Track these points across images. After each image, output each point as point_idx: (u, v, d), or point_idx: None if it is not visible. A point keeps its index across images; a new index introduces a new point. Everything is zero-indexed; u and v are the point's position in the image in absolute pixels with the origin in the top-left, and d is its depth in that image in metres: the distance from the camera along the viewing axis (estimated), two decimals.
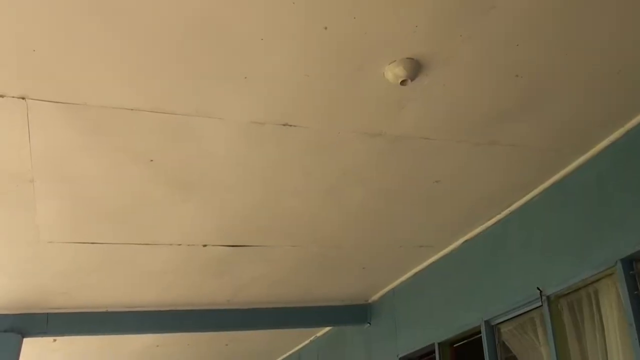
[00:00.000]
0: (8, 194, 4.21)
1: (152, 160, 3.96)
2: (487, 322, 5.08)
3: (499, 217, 5.06)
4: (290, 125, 3.65)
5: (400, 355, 6.35)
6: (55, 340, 7.48)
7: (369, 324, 7.20)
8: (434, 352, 5.80)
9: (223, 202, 4.59)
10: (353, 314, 7.29)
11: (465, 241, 5.48)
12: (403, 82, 3.18)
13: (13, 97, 3.24)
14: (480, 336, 5.14)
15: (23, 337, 6.27)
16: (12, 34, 2.81)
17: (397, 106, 3.53)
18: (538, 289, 4.49)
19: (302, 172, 4.24)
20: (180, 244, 5.27)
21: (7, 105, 3.30)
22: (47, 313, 6.47)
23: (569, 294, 4.35)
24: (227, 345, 9.17)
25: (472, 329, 5.30)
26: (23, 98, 3.26)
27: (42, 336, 6.58)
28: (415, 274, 6.26)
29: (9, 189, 4.15)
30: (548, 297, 4.43)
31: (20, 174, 3.95)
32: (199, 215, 4.78)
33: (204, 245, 5.32)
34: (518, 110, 3.66)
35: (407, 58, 3.09)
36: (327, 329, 8.41)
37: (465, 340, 5.58)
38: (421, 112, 3.61)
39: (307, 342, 9.12)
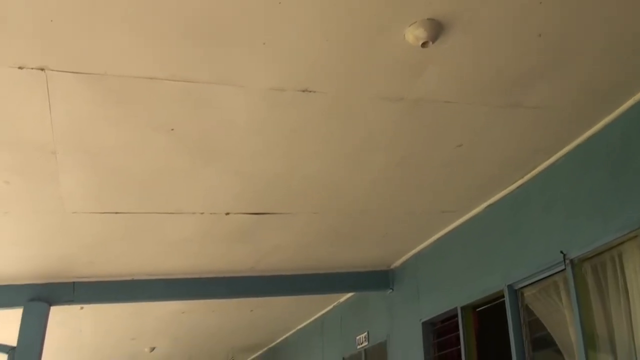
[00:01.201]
0: (31, 166, 4.26)
1: (173, 130, 3.96)
2: (510, 286, 5.07)
3: (521, 181, 5.01)
4: (310, 91, 3.62)
5: (423, 320, 6.38)
6: (82, 308, 7.63)
7: (391, 290, 7.23)
8: (456, 316, 5.81)
9: (244, 169, 4.60)
10: (375, 280, 7.32)
11: (488, 206, 5.45)
12: (424, 44, 3.13)
13: (32, 68, 3.25)
14: (503, 300, 5.13)
15: (50, 305, 6.40)
16: (29, 5, 2.80)
17: (418, 69, 3.48)
18: (561, 252, 4.46)
19: (323, 139, 4.22)
20: (203, 213, 5.30)
21: (26, 77, 3.31)
22: (74, 282, 6.58)
23: (592, 257, 4.32)
24: (251, 311, 9.29)
25: (495, 293, 5.30)
26: (42, 69, 3.27)
27: (68, 304, 6.71)
28: (438, 239, 6.25)
29: (32, 161, 4.19)
30: (572, 261, 4.40)
31: (43, 145, 3.99)
32: (221, 183, 4.80)
33: (227, 214, 5.35)
34: (541, 71, 3.59)
35: (428, 19, 3.04)
36: (350, 295, 8.47)
37: (488, 305, 5.57)
38: (442, 75, 3.56)
39: (330, 307, 9.20)
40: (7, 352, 6.43)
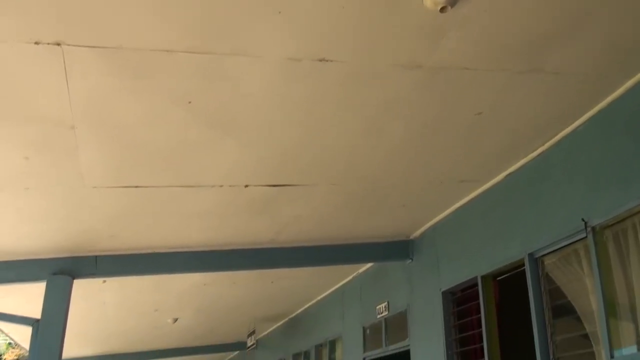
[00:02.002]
0: (51, 141, 4.28)
1: (190, 102, 3.96)
2: (530, 255, 5.04)
3: (542, 148, 4.95)
4: (327, 60, 3.59)
5: (442, 289, 6.39)
6: (104, 281, 7.73)
7: (410, 260, 7.23)
8: (476, 285, 5.81)
9: (262, 141, 4.59)
10: (395, 250, 7.33)
11: (508, 174, 5.40)
12: (443, 9, 3.08)
13: (48, 43, 3.25)
14: (524, 269, 5.11)
15: (73, 278, 6.50)
16: None
17: (437, 35, 3.43)
18: (583, 220, 4.43)
19: (341, 108, 4.19)
20: (222, 185, 5.32)
21: (42, 52, 3.31)
22: (96, 256, 6.67)
23: (614, 224, 4.27)
24: (272, 282, 9.36)
25: (516, 262, 5.28)
26: (58, 44, 3.26)
27: (91, 277, 6.80)
28: (457, 209, 6.22)
29: (51, 137, 4.22)
30: (593, 228, 4.36)
31: (61, 120, 4.00)
32: (240, 155, 4.80)
33: (246, 186, 5.36)
34: (562, 34, 3.51)
35: None
36: (370, 265, 8.50)
37: (508, 274, 5.56)
38: (461, 41, 3.50)
39: (349, 278, 9.25)
40: (31, 325, 6.54)
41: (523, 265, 5.14)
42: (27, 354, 9.11)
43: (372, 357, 8.28)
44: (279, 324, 13.23)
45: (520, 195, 5.26)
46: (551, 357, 4.74)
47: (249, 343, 12.95)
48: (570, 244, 4.67)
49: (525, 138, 4.86)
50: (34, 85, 3.66)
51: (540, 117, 4.53)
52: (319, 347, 10.68)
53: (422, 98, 4.12)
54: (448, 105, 4.25)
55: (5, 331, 12.10)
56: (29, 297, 7.13)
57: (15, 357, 25.16)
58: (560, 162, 4.78)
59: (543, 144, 4.93)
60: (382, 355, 7.98)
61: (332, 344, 10.08)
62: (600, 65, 3.90)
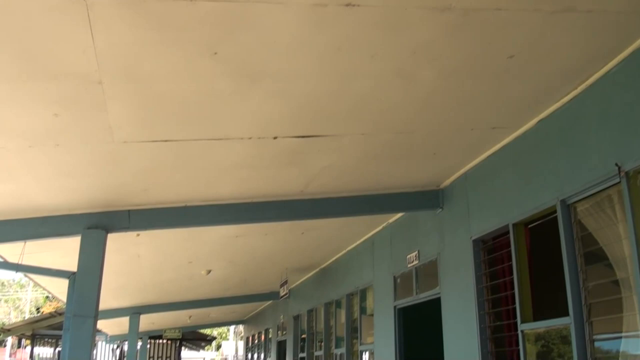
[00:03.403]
0: (78, 96, 4.30)
1: (216, 53, 3.92)
2: (562, 201, 4.98)
3: (575, 92, 4.83)
4: (354, 5, 3.50)
5: (473, 238, 6.37)
6: (138, 235, 7.87)
7: (441, 209, 7.21)
8: (507, 233, 5.77)
9: (290, 91, 4.55)
10: (425, 199, 7.30)
11: (540, 120, 5.30)
12: None
13: None
14: (556, 215, 5.06)
15: (107, 232, 6.62)
16: None
17: None
18: (616, 165, 4.34)
19: (369, 54, 4.10)
20: (250, 138, 5.31)
21: (67, 6, 3.29)
22: (129, 210, 6.77)
23: None
24: (302, 233, 9.44)
25: (548, 209, 5.22)
26: None
27: (125, 231, 6.92)
28: (488, 156, 6.14)
29: (79, 92, 4.23)
30: (627, 173, 4.27)
31: (88, 75, 4.00)
32: (267, 106, 4.77)
33: (275, 138, 5.34)
34: None
35: None
36: (399, 215, 8.50)
37: (540, 221, 5.51)
38: None
39: (379, 228, 9.28)
40: (68, 277, 6.72)
41: (555, 212, 5.08)
42: (64, 306, 9.38)
43: (403, 305, 8.36)
44: (310, 274, 13.40)
45: (552, 141, 5.17)
46: (583, 303, 4.73)
47: (282, 293, 13.17)
48: (603, 189, 4.59)
49: (558, 82, 4.74)
50: (60, 41, 3.65)
51: (573, 59, 4.40)
52: (350, 296, 10.82)
53: (452, 42, 4.01)
54: (479, 49, 4.14)
55: (43, 285, 12.48)
56: (64, 252, 7.30)
57: (53, 309, 25.99)
58: (594, 105, 4.66)
59: (576, 88, 4.80)
60: (413, 303, 8.05)
61: (363, 293, 10.20)
62: (634, 1, 3.75)
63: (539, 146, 5.35)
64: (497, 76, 4.54)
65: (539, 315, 5.44)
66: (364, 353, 9.97)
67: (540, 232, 5.61)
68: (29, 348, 22.93)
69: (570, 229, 4.93)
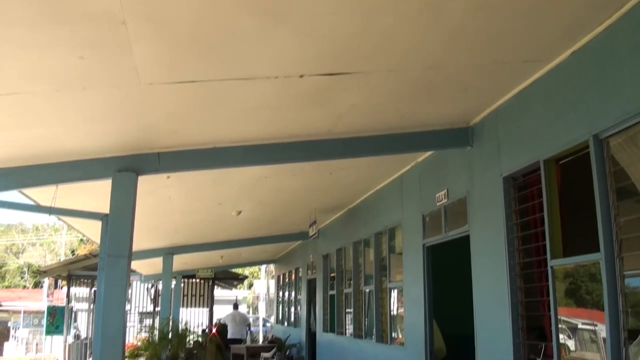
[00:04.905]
0: (103, 38, 4.27)
1: None
2: (595, 136, 4.87)
3: (609, 21, 4.65)
4: None
5: (503, 175, 6.30)
6: (168, 177, 7.96)
7: (470, 147, 7.12)
8: (538, 169, 5.70)
9: (315, 27, 4.46)
10: (454, 137, 7.21)
11: (573, 52, 5.14)
12: None
13: None
14: (588, 151, 4.97)
15: (138, 175, 6.72)
16: None
17: None
18: None
19: None
20: (277, 77, 5.26)
21: None
22: (158, 152, 6.83)
23: None
24: (330, 174, 9.45)
25: (580, 144, 5.12)
26: None
27: (155, 173, 7.01)
28: (519, 92, 6.01)
29: (103, 33, 4.20)
30: None
31: (111, 15, 3.96)
32: (293, 44, 4.70)
33: (301, 76, 5.28)
34: None
35: None
36: (428, 154, 8.43)
37: (572, 156, 5.42)
38: None
39: (408, 167, 9.23)
40: (101, 219, 6.86)
41: (587, 147, 4.98)
42: (98, 248, 9.62)
43: (432, 243, 8.39)
44: (338, 214, 13.48)
45: (585, 74, 5.02)
46: (614, 239, 4.68)
47: (311, 233, 13.30)
48: (637, 123, 4.48)
49: (591, 10, 4.56)
50: None
51: None
52: (378, 235, 10.88)
53: None
54: None
55: (76, 227, 12.77)
56: (96, 195, 7.42)
57: (88, 252, 26.71)
58: (628, 35, 4.49)
59: (610, 16, 4.61)
60: (442, 241, 8.07)
61: (392, 232, 10.24)
62: None
63: (571, 80, 5.21)
64: (528, 7, 4.39)
65: (568, 252, 5.41)
66: (392, 290, 10.09)
67: (572, 168, 5.53)
68: (65, 288, 23.66)
69: (603, 164, 4.85)
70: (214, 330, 20.52)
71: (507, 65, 5.46)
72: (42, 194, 7.82)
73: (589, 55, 4.97)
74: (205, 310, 26.95)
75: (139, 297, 27.28)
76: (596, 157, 4.86)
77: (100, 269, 6.73)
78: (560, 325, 5.33)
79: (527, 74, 5.69)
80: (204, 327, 26.39)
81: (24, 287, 56.07)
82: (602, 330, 4.88)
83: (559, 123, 5.39)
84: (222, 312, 28.64)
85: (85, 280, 25.43)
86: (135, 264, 17.68)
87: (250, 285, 50.25)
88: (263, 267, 31.66)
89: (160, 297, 19.01)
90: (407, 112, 6.59)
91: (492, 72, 5.62)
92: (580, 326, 5.44)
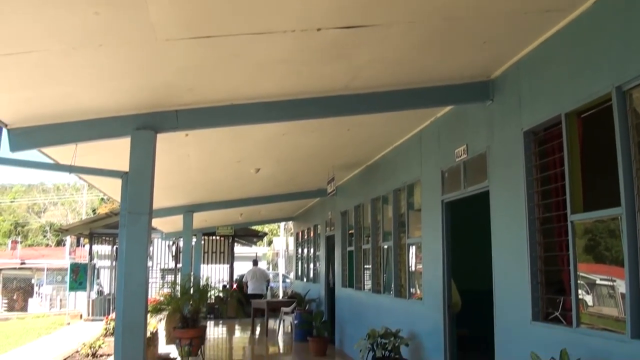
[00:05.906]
0: None
1: None
2: (618, 88, 4.78)
3: None
4: None
5: (524, 129, 6.22)
6: (187, 135, 7.97)
7: (491, 101, 7.03)
8: (560, 123, 5.61)
9: None
10: (474, 91, 7.11)
11: (595, 1, 5.00)
12: None
13: None
14: (610, 104, 4.87)
15: (156, 132, 6.72)
16: None
17: None
18: None
19: None
20: (294, 30, 5.18)
21: None
22: (176, 110, 6.82)
23: None
24: (348, 130, 9.39)
25: (602, 97, 5.03)
26: None
27: (173, 131, 7.02)
28: (541, 43, 5.88)
29: None
30: None
31: None
32: None
33: (318, 29, 5.20)
34: None
35: None
36: (447, 109, 8.34)
37: (594, 110, 5.33)
38: None
39: (427, 123, 9.15)
40: (120, 177, 6.90)
41: (609, 100, 4.89)
42: (119, 207, 9.72)
43: (451, 199, 8.36)
44: (356, 171, 13.46)
45: (608, 25, 4.90)
46: (635, 193, 4.63)
47: (329, 190, 13.32)
48: None
49: None
50: None
51: None
52: (397, 192, 10.86)
53: None
54: None
55: (97, 186, 12.90)
56: (115, 154, 7.44)
57: (109, 210, 27.03)
58: None
59: None
60: (461, 196, 8.04)
61: (410, 188, 10.22)
62: None
63: (594, 30, 5.09)
64: None
65: (589, 206, 5.37)
66: (411, 246, 10.12)
67: (593, 122, 5.44)
68: (87, 246, 24.07)
69: (625, 117, 4.76)
70: (234, 287, 20.82)
71: (528, 15, 5.33)
72: (62, 153, 7.87)
73: (612, 5, 4.84)
74: (225, 267, 27.34)
75: (161, 254, 27.71)
76: (619, 109, 4.77)
77: (121, 226, 6.79)
78: (578, 281, 5.32)
79: (549, 24, 5.56)
80: (225, 283, 26.77)
81: (47, 245, 57.15)
82: (621, 286, 4.87)
83: (581, 75, 5.28)
84: (242, 268, 28.96)
85: (107, 238, 25.77)
86: (155, 222, 17.88)
87: (270, 242, 50.75)
88: (282, 224, 31.89)
89: (181, 254, 19.26)
90: (426, 66, 6.50)
91: (513, 23, 5.49)
92: (598, 282, 5.43)
